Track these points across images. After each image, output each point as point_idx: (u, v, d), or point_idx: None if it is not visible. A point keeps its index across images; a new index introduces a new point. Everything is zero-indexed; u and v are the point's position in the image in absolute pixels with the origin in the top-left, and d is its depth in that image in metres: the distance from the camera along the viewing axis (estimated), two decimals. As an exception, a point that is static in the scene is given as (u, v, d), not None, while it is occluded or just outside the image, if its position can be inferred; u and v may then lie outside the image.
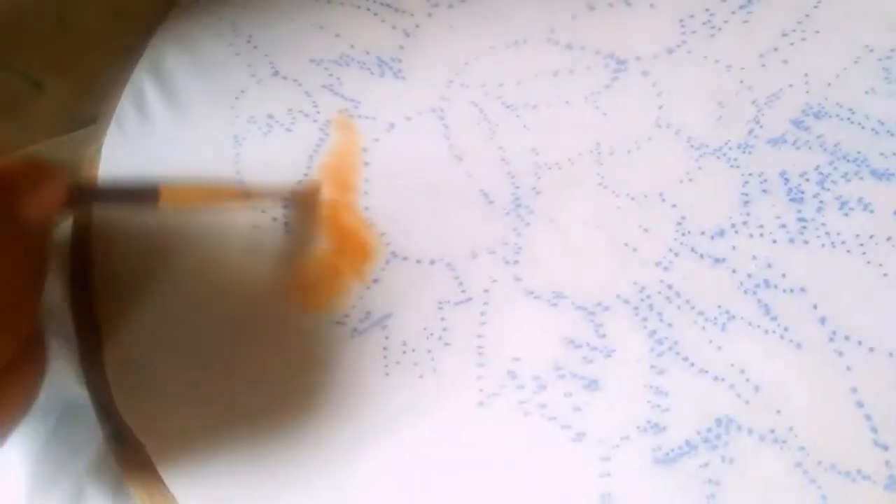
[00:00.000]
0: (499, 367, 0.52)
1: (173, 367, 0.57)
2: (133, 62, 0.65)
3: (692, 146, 0.56)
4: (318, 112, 0.60)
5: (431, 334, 0.53)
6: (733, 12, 0.60)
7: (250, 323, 0.56)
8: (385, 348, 0.53)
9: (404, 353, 0.53)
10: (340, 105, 0.61)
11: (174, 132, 0.61)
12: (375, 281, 0.55)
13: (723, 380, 0.49)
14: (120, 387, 0.57)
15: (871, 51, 0.56)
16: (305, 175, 0.58)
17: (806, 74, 0.57)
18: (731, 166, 0.54)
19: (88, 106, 0.64)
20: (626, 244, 0.53)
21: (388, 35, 0.63)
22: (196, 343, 0.57)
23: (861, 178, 0.53)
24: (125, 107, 0.63)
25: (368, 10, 0.64)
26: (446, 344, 0.52)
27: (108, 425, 0.57)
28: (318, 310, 0.55)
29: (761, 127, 0.56)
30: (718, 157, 0.55)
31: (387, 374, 0.53)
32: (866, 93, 0.56)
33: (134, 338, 0.58)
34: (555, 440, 0.51)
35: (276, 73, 0.62)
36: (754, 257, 0.51)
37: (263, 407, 0.55)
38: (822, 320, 0.49)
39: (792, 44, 0.58)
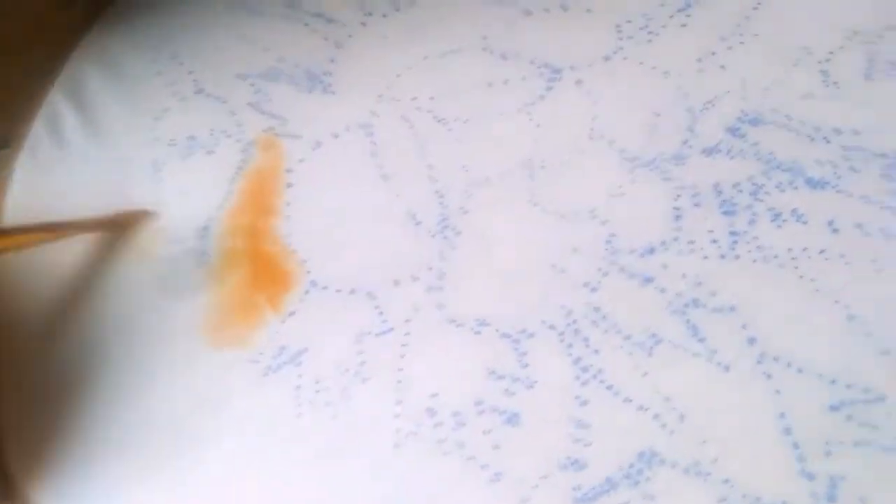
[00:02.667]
0: (417, 404, 0.50)
1: (70, 411, 0.55)
2: (50, 81, 0.62)
3: (625, 158, 0.54)
4: (242, 132, 0.58)
5: (347, 370, 0.51)
6: (671, 16, 0.58)
7: (159, 363, 0.54)
8: (298, 387, 0.51)
9: (318, 391, 0.51)
10: (266, 123, 0.59)
11: (91, 158, 0.60)
12: (292, 313, 0.53)
13: (647, 409, 0.47)
14: (13, 431, 0.55)
15: (811, 53, 0.55)
16: (225, 199, 0.55)
17: (743, 79, 0.56)
18: (664, 178, 0.53)
19: (2, 128, 0.61)
20: (554, 265, 0.51)
21: (320, 47, 0.61)
22: (100, 384, 0.55)
23: (795, 188, 0.52)
24: (39, 130, 0.61)
25: (299, 20, 0.62)
26: (363, 380, 0.51)
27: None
28: (231, 347, 0.52)
29: (696, 136, 0.54)
30: (651, 170, 0.53)
31: (299, 417, 0.51)
32: (803, 97, 0.55)
33: (31, 379, 0.56)
34: (473, 482, 0.50)
35: (199, 91, 0.60)
36: (684, 275, 0.50)
37: (171, 453, 0.53)
38: (751, 341, 0.47)
39: (730, 48, 0.56)
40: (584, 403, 0.48)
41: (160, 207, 0.55)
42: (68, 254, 0.54)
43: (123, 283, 0.52)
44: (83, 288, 0.52)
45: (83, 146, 0.57)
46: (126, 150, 0.57)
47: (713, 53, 0.56)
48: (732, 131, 0.53)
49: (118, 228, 0.54)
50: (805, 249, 0.49)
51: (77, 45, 0.62)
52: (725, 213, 0.51)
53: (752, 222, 0.50)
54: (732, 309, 0.48)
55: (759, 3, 0.57)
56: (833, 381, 0.45)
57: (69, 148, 0.57)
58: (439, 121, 0.56)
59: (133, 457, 0.50)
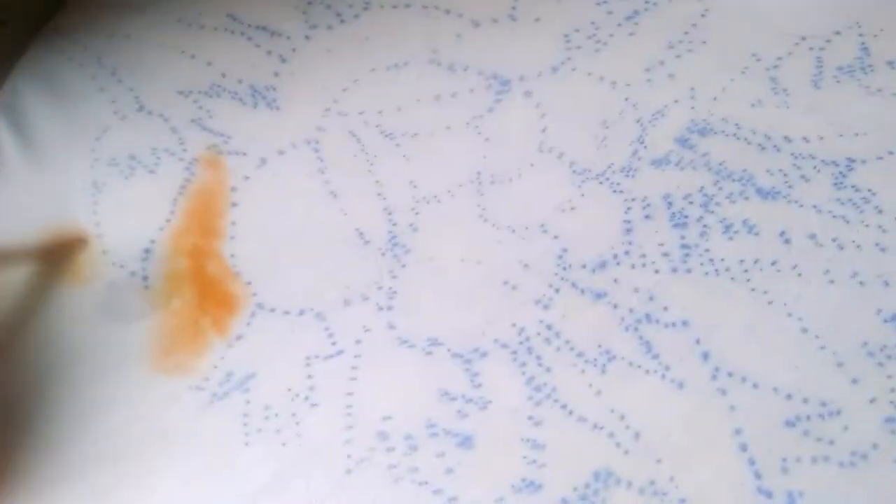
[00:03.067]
0: (368, 429, 0.49)
1: (14, 445, 0.53)
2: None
3: (575, 171, 0.53)
4: (185, 150, 0.57)
5: (297, 395, 0.49)
6: (619, 24, 0.58)
7: (103, 392, 0.52)
8: (246, 414, 0.50)
9: (267, 418, 0.49)
10: (209, 140, 0.57)
11: (29, 180, 0.58)
12: (239, 338, 0.51)
13: (602, 428, 0.46)
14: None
15: (759, 60, 0.54)
16: (168, 221, 0.53)
17: (692, 88, 0.55)
18: (614, 191, 0.52)
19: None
20: (505, 282, 0.50)
21: (263, 61, 0.60)
22: (42, 417, 0.54)
23: (746, 199, 0.51)
24: (-25, 153, 0.57)
25: (243, 34, 0.60)
26: (313, 405, 0.49)
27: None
28: (175, 373, 0.51)
29: (645, 147, 0.53)
30: (601, 182, 0.52)
31: (247, 444, 0.50)
32: (753, 105, 0.54)
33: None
34: (426, 507, 0.46)
35: (141, 109, 0.59)
36: (636, 290, 0.49)
37: (116, 486, 0.52)
38: (705, 356, 0.46)
39: (678, 56, 0.56)
40: (538, 424, 0.47)
41: (101, 229, 0.52)
42: (3, 282, 0.51)
43: (64, 310, 0.50)
44: (19, 318, 0.50)
45: (21, 168, 0.55)
46: (64, 171, 0.56)
47: (661, 62, 0.55)
48: (682, 142, 0.52)
49: (53, 257, 0.51)
50: (757, 261, 0.49)
51: (15, 62, 0.58)
52: (676, 225, 0.50)
53: (703, 234, 0.49)
54: (685, 324, 0.47)
55: (706, 10, 0.56)
56: (789, 396, 0.45)
57: (6, 168, 0.55)
58: (387, 136, 0.54)
59: (77, 492, 0.49)
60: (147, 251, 0.53)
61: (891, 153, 0.50)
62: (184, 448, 0.49)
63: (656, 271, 0.49)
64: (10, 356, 0.52)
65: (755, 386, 0.45)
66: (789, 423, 0.45)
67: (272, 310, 0.51)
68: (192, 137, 0.57)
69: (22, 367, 0.51)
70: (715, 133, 0.53)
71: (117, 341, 0.51)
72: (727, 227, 0.50)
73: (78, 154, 0.57)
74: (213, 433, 0.49)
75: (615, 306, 0.49)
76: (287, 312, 0.51)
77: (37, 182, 0.56)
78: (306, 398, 0.49)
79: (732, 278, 0.48)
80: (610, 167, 0.52)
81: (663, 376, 0.46)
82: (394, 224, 0.52)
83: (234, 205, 0.54)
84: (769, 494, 0.43)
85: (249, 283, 0.52)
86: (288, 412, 0.49)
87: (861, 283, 0.47)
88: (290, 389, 0.49)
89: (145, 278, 0.53)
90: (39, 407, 0.51)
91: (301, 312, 0.51)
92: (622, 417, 0.46)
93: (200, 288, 0.52)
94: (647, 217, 0.50)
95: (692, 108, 0.54)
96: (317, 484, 0.48)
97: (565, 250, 0.51)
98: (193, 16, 0.61)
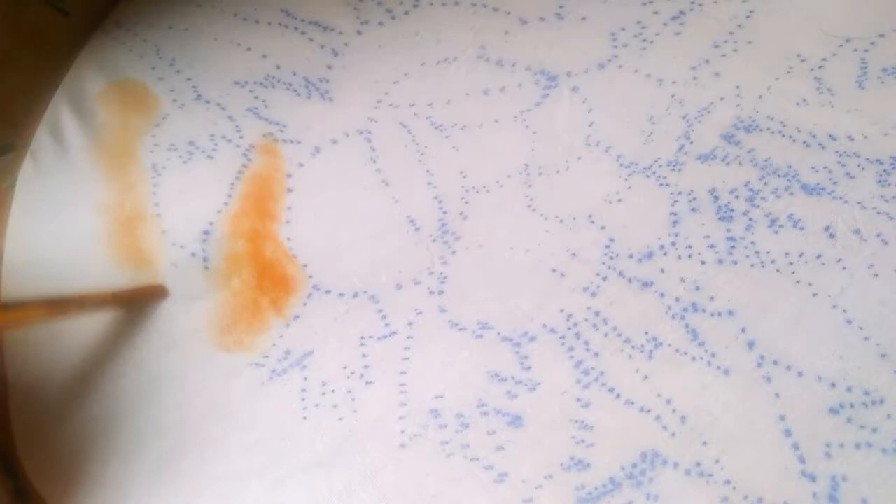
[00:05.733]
0: (421, 406, 0.51)
1: (83, 419, 0.55)
2: (52, 88, 0.62)
3: (622, 165, 0.54)
4: (242, 137, 0.58)
5: (352, 373, 0.51)
6: (665, 24, 0.58)
7: (166, 367, 0.54)
8: (304, 390, 0.51)
9: (323, 394, 0.51)
10: (265, 129, 0.58)
11: (91, 164, 0.58)
12: (296, 317, 0.53)
13: (649, 411, 0.47)
14: (27, 442, 0.55)
15: (804, 60, 0.55)
16: (226, 204, 0.55)
17: (737, 87, 0.56)
18: (661, 185, 0.53)
19: (5, 134, 0.61)
20: (553, 269, 0.51)
21: (316, 54, 0.61)
22: (108, 391, 0.55)
23: (791, 194, 0.52)
24: (41, 137, 0.61)
25: (296, 29, 0.62)
26: (368, 382, 0.51)
27: (12, 482, 0.52)
28: (236, 350, 0.52)
29: (691, 143, 0.54)
30: (648, 176, 0.53)
31: (305, 419, 0.51)
32: (798, 104, 0.55)
33: (42, 391, 0.56)
34: (477, 482, 0.50)
35: (198, 98, 0.60)
36: (682, 280, 0.50)
37: (179, 457, 0.53)
38: (751, 344, 0.48)
39: (724, 55, 0.57)
40: (586, 405, 0.48)
41: (160, 209, 0.55)
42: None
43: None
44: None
45: (84, 152, 0.57)
46: (127, 154, 0.56)
47: (707, 61, 0.56)
48: (727, 138, 0.53)
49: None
50: (802, 255, 0.50)
51: (78, 52, 0.60)
52: (722, 218, 0.51)
53: (748, 228, 0.50)
54: (731, 313, 0.49)
55: (751, 11, 0.57)
56: (833, 385, 0.46)
57: (70, 154, 0.57)
58: (437, 127, 0.56)
59: (140, 460, 0.51)
60: (206, 233, 0.55)
61: (935, 152, 0.50)
62: (244, 421, 0.50)
63: (702, 262, 0.50)
64: (79, 334, 0.53)
65: (800, 374, 0.46)
66: (833, 411, 0.46)
67: (328, 291, 0.53)
68: (249, 125, 0.58)
69: (89, 343, 0.53)
70: (760, 130, 0.53)
71: (179, 318, 0.53)
72: (773, 221, 0.51)
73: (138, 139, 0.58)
74: (272, 407, 0.51)
75: (662, 295, 0.50)
76: (342, 294, 0.53)
77: (99, 164, 0.58)
78: (361, 376, 0.51)
79: (778, 270, 0.49)
80: (656, 161, 0.53)
81: (709, 363, 0.48)
82: (444, 212, 0.54)
83: (289, 190, 0.56)
84: (813, 478, 0.44)
85: (305, 266, 0.53)
86: (344, 389, 0.50)
87: (905, 277, 0.47)
88: (345, 367, 0.51)
89: (205, 259, 0.54)
90: (107, 382, 0.52)
91: (355, 294, 0.52)
92: (669, 402, 0.47)
93: (259, 269, 0.54)
94: (693, 210, 0.51)
95: (738, 105, 0.55)
96: (372, 457, 0.49)
97: (612, 240, 0.52)
98: (249, 11, 0.62)
